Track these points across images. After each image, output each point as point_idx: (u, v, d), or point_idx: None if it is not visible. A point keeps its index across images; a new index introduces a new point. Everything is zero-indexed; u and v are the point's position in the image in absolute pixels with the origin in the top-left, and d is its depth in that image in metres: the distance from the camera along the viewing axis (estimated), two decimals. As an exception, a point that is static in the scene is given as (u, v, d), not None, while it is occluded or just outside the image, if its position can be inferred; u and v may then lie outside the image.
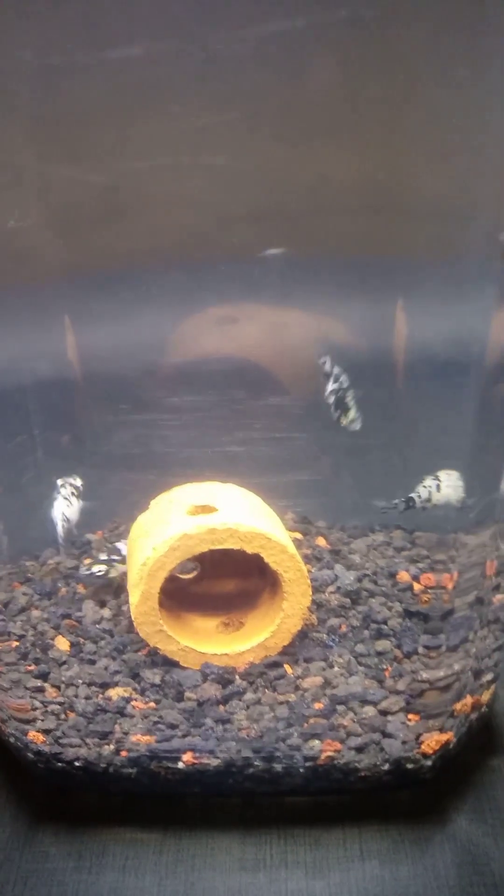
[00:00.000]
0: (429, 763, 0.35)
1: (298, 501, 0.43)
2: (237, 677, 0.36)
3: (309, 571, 0.40)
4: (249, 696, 0.36)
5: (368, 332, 0.47)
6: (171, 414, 0.43)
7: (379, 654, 0.37)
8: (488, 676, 0.38)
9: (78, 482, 0.42)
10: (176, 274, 0.44)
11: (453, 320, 0.42)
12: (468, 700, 0.37)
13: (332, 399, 0.40)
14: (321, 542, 0.43)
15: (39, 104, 0.39)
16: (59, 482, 0.43)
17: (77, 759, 0.35)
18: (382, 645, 0.37)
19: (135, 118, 0.41)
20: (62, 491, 0.41)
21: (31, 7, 0.36)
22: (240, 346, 0.46)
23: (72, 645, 0.38)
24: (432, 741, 0.35)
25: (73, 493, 0.42)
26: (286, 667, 0.37)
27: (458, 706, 0.36)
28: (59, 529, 0.40)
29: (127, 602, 0.40)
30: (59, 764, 0.36)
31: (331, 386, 0.39)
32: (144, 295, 0.44)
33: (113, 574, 0.41)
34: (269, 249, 0.41)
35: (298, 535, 0.43)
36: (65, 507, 0.41)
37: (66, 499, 0.40)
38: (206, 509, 0.37)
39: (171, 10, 0.38)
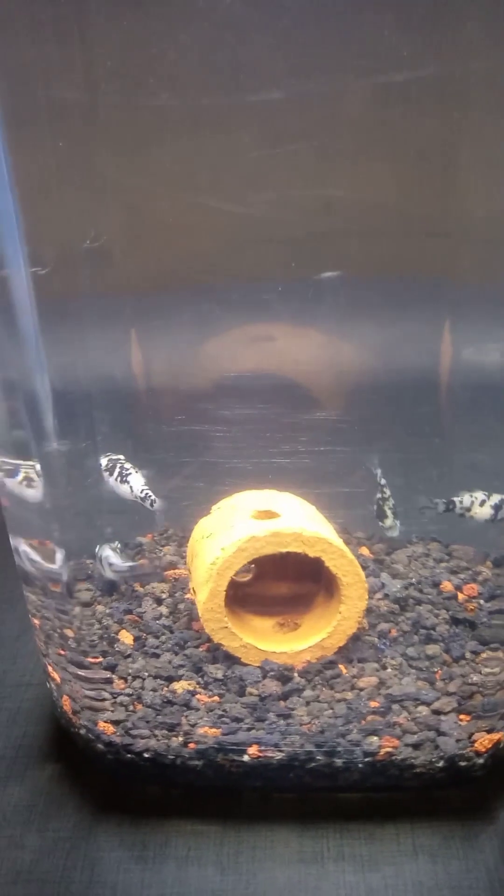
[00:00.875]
0: (481, 761, 0.38)
1: (339, 512, 0.46)
2: (296, 675, 0.39)
3: None
4: (308, 693, 0.39)
5: (415, 351, 0.50)
6: (222, 426, 0.46)
7: (429, 657, 0.40)
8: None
9: (122, 458, 0.45)
10: (229, 293, 0.48)
11: (499, 342, 0.45)
12: (517, 701, 0.39)
13: (375, 506, 0.44)
14: (364, 551, 0.46)
15: (118, 132, 0.43)
16: (106, 461, 0.44)
17: (146, 750, 0.38)
18: (432, 649, 0.40)
19: (200, 147, 0.45)
20: (119, 469, 0.43)
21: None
22: (279, 363, 0.50)
23: (135, 639, 0.41)
24: (485, 740, 0.38)
25: (130, 469, 0.43)
26: (341, 667, 0.39)
27: (507, 707, 0.39)
28: (152, 504, 0.42)
29: (182, 600, 0.43)
30: (129, 755, 0.38)
31: (377, 494, 0.44)
32: (203, 313, 0.48)
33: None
34: (325, 272, 0.44)
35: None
36: (140, 483, 0.42)
37: (127, 472, 0.42)
38: (269, 514, 0.40)
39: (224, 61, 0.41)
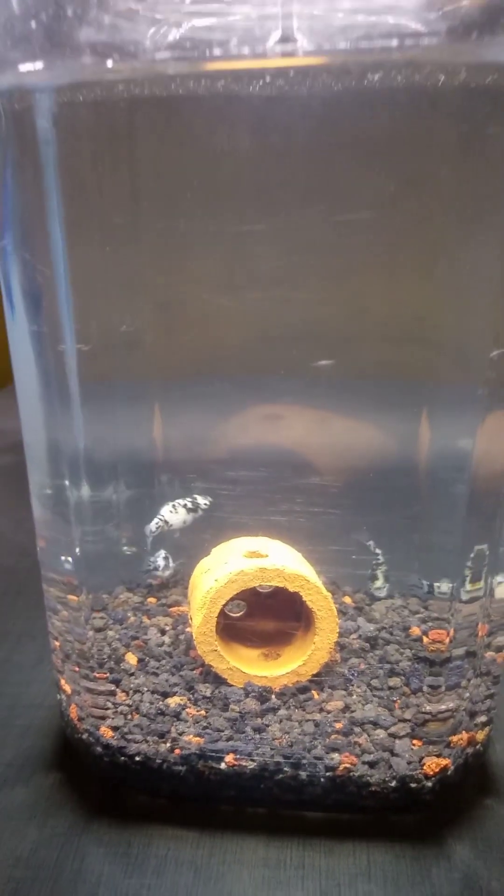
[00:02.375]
0: (429, 784, 0.45)
1: (330, 568, 0.55)
2: (273, 696, 0.47)
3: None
4: (282, 712, 0.47)
5: (396, 437, 0.59)
6: (228, 485, 0.56)
7: (391, 688, 0.48)
8: (482, 718, 0.48)
9: (202, 501, 0.52)
10: (240, 377, 0.59)
11: (464, 432, 0.53)
12: (464, 735, 0.47)
13: (370, 570, 0.54)
14: (347, 600, 0.55)
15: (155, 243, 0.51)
16: (189, 499, 0.52)
17: (138, 753, 0.46)
18: (394, 682, 0.48)
19: (220, 256, 0.53)
20: (181, 500, 0.50)
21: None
22: (285, 438, 0.60)
23: (139, 660, 0.50)
24: (433, 764, 0.45)
25: (186, 505, 0.50)
26: (314, 692, 0.47)
27: (454, 738, 0.46)
28: (153, 525, 0.49)
29: (183, 632, 0.52)
30: (122, 758, 0.46)
31: (373, 561, 0.54)
32: (215, 393, 0.59)
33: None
34: (321, 361, 0.56)
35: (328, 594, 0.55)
36: (169, 509, 0.50)
37: (175, 505, 0.49)
38: (258, 554, 0.50)
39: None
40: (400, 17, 0.34)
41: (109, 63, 0.33)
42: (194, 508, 0.52)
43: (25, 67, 0.33)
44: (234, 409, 0.59)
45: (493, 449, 0.45)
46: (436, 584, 0.51)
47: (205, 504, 0.52)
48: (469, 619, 0.46)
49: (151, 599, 0.55)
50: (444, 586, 0.49)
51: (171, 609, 0.54)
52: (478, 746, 0.48)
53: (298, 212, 0.50)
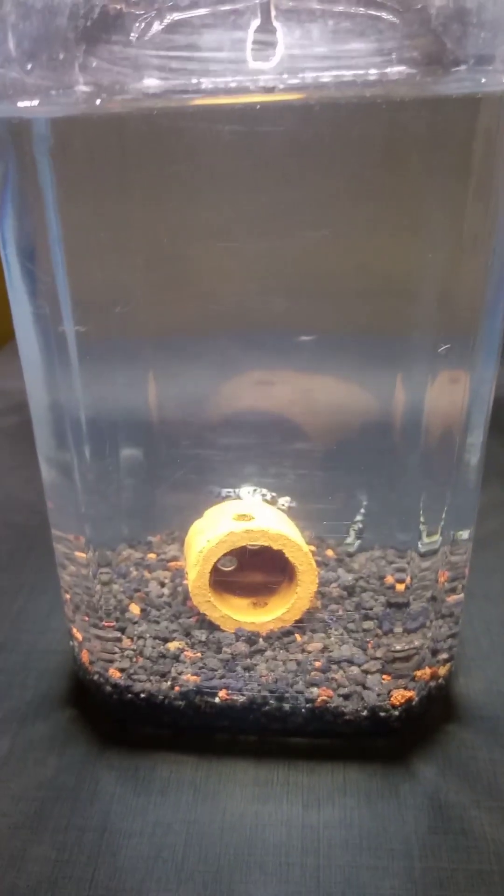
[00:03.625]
0: (396, 713, 0.52)
1: (316, 524, 0.62)
2: (261, 640, 0.54)
3: (318, 574, 0.58)
4: (269, 653, 0.54)
5: (378, 398, 0.63)
6: (221, 451, 0.62)
7: (365, 630, 0.55)
8: (444, 655, 0.55)
9: (282, 500, 0.58)
10: (229, 340, 0.60)
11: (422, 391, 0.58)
12: (427, 670, 0.54)
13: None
14: (330, 552, 0.62)
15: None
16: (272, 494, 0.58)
17: (143, 691, 0.53)
18: (367, 625, 0.55)
19: (208, 206, 0.53)
20: (264, 490, 0.55)
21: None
22: (275, 404, 0.65)
23: (142, 610, 0.57)
24: (399, 695, 0.52)
25: (264, 494, 0.56)
26: (296, 635, 0.54)
27: (418, 673, 0.53)
28: (223, 491, 0.55)
29: (180, 584, 0.59)
30: (129, 695, 0.53)
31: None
32: (207, 356, 0.63)
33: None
34: (302, 336, 0.61)
35: (312, 548, 0.62)
36: (248, 490, 0.55)
37: (256, 490, 0.54)
38: (245, 517, 0.56)
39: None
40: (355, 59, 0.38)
41: (98, 101, 0.38)
42: (270, 502, 0.58)
43: (23, 104, 0.38)
44: (225, 368, 0.61)
45: (442, 406, 0.49)
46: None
47: (284, 504, 0.57)
48: (427, 569, 0.52)
49: (151, 555, 0.62)
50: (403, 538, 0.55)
51: (169, 564, 0.61)
52: (440, 680, 0.55)
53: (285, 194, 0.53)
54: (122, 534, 0.64)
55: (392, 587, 0.57)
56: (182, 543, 0.63)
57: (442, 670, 0.56)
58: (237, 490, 0.61)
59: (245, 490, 0.59)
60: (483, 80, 0.40)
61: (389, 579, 0.58)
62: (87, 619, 0.56)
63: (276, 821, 0.49)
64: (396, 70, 0.39)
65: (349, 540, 0.62)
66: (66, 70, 0.37)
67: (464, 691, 0.59)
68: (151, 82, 0.38)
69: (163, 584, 0.59)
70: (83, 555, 0.55)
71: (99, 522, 0.57)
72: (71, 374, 0.53)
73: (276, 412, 0.64)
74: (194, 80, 0.38)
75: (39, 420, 0.54)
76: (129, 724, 0.56)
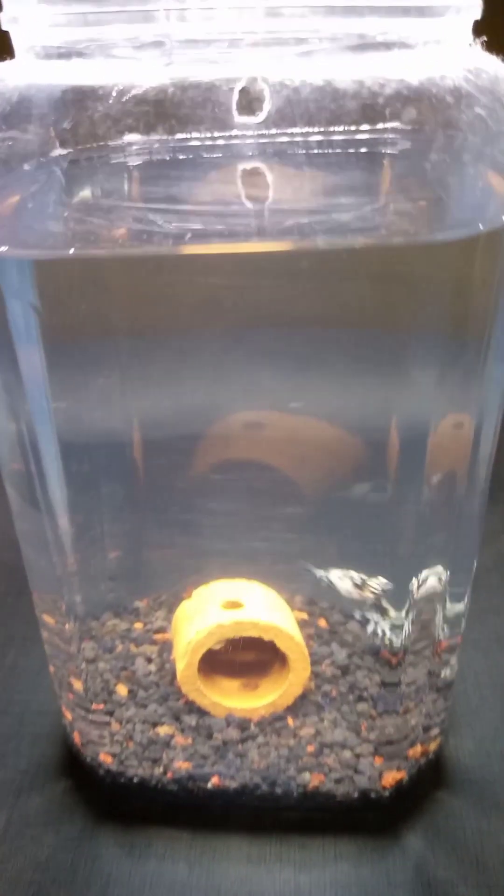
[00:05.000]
0: (386, 794, 0.54)
1: (305, 587, 0.61)
2: (252, 725, 0.55)
3: (310, 647, 0.58)
4: (260, 739, 0.55)
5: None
6: (209, 516, 0.60)
7: (359, 713, 0.55)
8: (435, 731, 0.56)
9: (375, 584, 0.57)
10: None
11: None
12: (418, 748, 0.55)
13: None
14: (322, 622, 0.61)
15: None
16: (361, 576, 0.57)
17: (135, 776, 0.54)
18: (362, 707, 0.56)
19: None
20: (355, 572, 0.54)
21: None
22: (265, 452, 0.62)
23: (129, 691, 0.56)
24: (390, 777, 0.53)
25: (353, 579, 0.56)
26: (289, 720, 0.56)
27: (410, 752, 0.54)
28: (318, 573, 0.54)
29: (168, 660, 0.58)
30: (122, 779, 0.54)
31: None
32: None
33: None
34: (293, 404, 0.57)
35: (305, 616, 0.61)
36: (339, 574, 0.55)
37: (348, 575, 0.53)
38: (235, 605, 0.54)
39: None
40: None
41: (72, 251, 0.38)
42: (360, 585, 0.56)
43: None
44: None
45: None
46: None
47: (378, 588, 0.56)
48: (422, 639, 0.52)
49: (138, 624, 0.61)
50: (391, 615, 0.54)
51: (156, 636, 0.60)
52: (430, 756, 0.56)
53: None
54: (107, 599, 0.62)
55: (388, 663, 0.57)
56: (169, 609, 0.61)
57: (433, 745, 0.57)
58: (327, 573, 0.58)
59: (335, 574, 0.57)
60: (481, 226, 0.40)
61: (384, 654, 0.58)
62: (71, 696, 0.56)
63: (269, 894, 0.52)
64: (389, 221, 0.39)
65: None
66: (35, 220, 0.37)
67: (453, 752, 0.61)
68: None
69: (150, 661, 0.59)
70: (66, 625, 0.54)
71: (81, 585, 0.55)
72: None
73: (265, 463, 0.61)
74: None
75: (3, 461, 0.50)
76: (123, 799, 0.57)
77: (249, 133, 0.40)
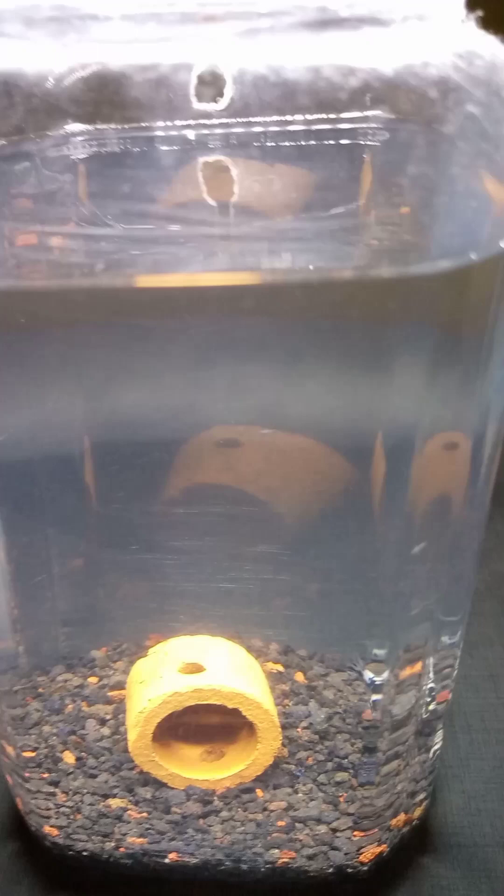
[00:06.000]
0: (365, 868, 0.49)
1: (283, 632, 0.55)
2: (215, 798, 0.49)
3: (286, 706, 0.52)
4: (224, 813, 0.49)
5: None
6: (173, 555, 0.52)
7: (337, 783, 0.50)
8: (421, 795, 0.51)
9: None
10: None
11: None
12: (402, 817, 0.50)
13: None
14: (299, 677, 0.55)
15: None
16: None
17: (85, 850, 0.49)
18: (341, 776, 0.51)
19: None
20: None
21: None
22: (239, 476, 0.54)
23: (77, 759, 0.50)
24: (369, 852, 0.48)
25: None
26: (258, 791, 0.51)
27: (392, 822, 0.49)
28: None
29: (123, 724, 0.52)
30: (70, 853, 0.49)
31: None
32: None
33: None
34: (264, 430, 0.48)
35: (280, 668, 0.55)
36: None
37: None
38: (195, 668, 0.47)
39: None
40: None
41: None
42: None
43: None
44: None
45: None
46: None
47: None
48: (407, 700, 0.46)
49: (92, 679, 0.55)
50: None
51: (111, 694, 0.53)
52: (414, 822, 0.51)
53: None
54: (60, 648, 0.55)
55: (372, 725, 0.51)
56: (130, 660, 0.55)
57: (418, 811, 0.52)
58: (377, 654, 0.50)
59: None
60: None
61: (368, 714, 0.52)
62: (7, 760, 0.50)
63: None
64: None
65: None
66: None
67: (440, 810, 0.56)
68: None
69: (103, 723, 0.53)
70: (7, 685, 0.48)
71: (26, 633, 0.49)
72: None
73: (239, 489, 0.53)
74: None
75: None
76: (75, 868, 0.52)
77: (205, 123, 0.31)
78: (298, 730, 0.55)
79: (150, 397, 0.55)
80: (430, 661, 0.51)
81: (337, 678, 0.58)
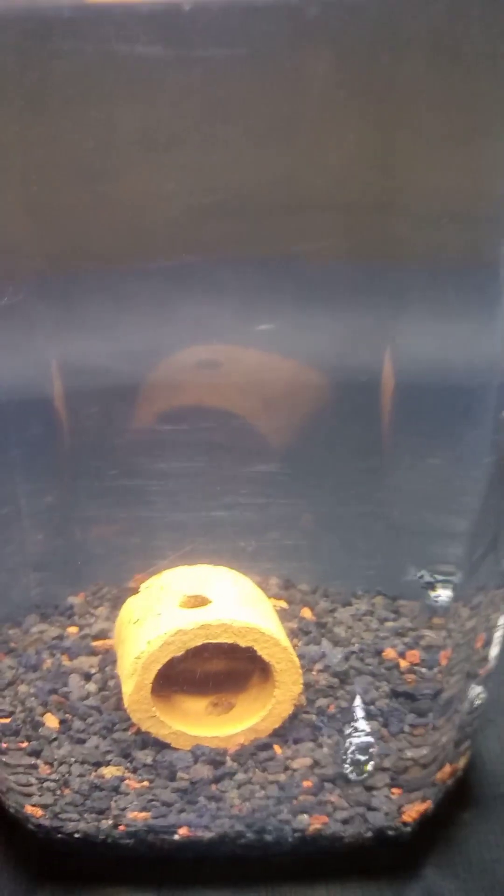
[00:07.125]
0: (408, 829, 0.42)
1: (284, 564, 0.49)
2: (228, 758, 0.42)
3: (296, 646, 0.46)
4: (240, 776, 0.42)
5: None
6: (158, 480, 0.45)
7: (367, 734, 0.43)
8: (466, 744, 0.44)
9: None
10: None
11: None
12: (447, 769, 0.43)
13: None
14: (306, 613, 0.49)
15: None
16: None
17: (76, 831, 0.41)
18: (370, 726, 0.43)
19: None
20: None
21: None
22: (223, 397, 0.49)
23: (61, 722, 0.43)
24: (413, 811, 0.42)
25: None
26: (276, 748, 0.44)
27: (438, 776, 0.42)
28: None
29: (113, 675, 0.45)
30: (59, 835, 0.41)
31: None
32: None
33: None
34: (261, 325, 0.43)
35: (284, 604, 0.49)
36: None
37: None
38: (198, 600, 0.40)
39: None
40: None
41: None
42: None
43: None
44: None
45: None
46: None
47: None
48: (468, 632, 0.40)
49: (72, 629, 0.47)
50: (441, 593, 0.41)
51: (95, 643, 0.46)
52: (459, 773, 0.45)
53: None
54: (32, 596, 0.48)
55: (395, 665, 0.44)
56: (113, 605, 0.47)
57: (463, 761, 0.45)
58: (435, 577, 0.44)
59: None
60: None
61: (389, 653, 0.45)
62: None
63: None
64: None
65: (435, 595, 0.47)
66: None
67: (478, 761, 0.50)
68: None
69: (88, 677, 0.45)
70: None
71: None
72: None
73: (224, 409, 0.47)
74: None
75: None
76: (65, 855, 0.45)
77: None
78: (314, 672, 0.48)
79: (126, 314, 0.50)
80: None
81: (345, 613, 0.51)
